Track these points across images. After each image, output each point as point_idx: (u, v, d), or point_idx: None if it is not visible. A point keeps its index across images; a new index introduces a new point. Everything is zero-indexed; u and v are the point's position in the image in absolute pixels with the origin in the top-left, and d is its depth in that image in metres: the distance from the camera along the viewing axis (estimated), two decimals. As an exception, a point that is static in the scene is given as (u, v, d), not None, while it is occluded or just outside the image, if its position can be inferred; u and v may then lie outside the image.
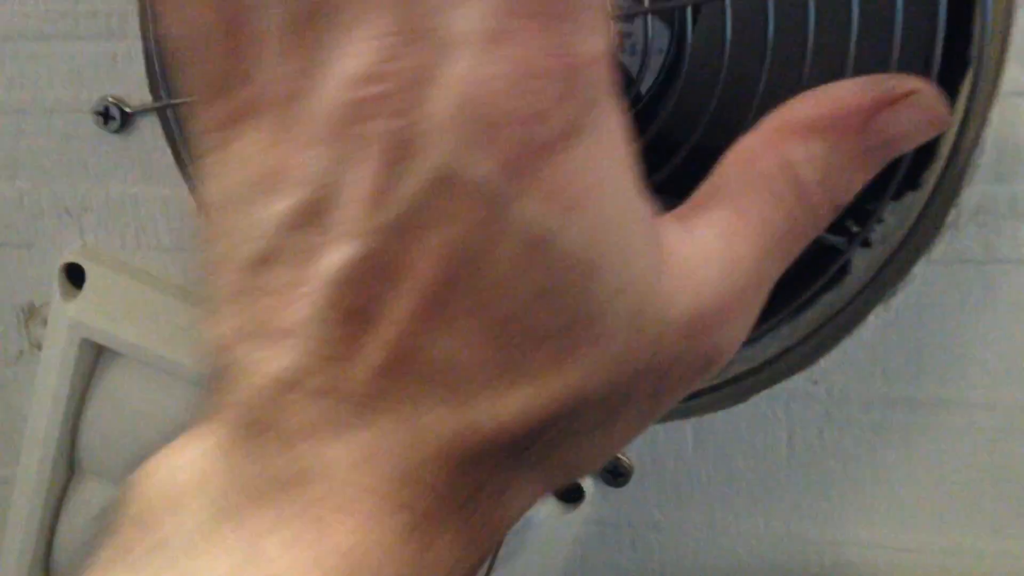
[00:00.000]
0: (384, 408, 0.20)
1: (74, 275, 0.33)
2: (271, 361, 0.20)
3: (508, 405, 0.20)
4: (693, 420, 0.28)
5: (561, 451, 0.21)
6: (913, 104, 0.21)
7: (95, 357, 0.34)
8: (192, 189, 0.31)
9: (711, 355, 0.21)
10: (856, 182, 0.21)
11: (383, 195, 0.19)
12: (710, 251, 0.21)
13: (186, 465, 0.20)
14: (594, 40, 0.19)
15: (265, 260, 0.20)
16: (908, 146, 0.21)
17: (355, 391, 0.20)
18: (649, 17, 0.25)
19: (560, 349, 0.20)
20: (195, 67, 0.22)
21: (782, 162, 0.21)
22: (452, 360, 0.20)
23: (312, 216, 0.20)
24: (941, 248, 0.25)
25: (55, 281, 0.33)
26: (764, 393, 0.28)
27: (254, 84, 0.21)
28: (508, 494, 0.21)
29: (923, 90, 0.21)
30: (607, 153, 0.19)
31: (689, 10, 0.25)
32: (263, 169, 0.21)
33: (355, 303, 0.20)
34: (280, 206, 0.20)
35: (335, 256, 0.20)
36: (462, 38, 0.19)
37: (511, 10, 0.18)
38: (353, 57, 0.19)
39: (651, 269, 0.20)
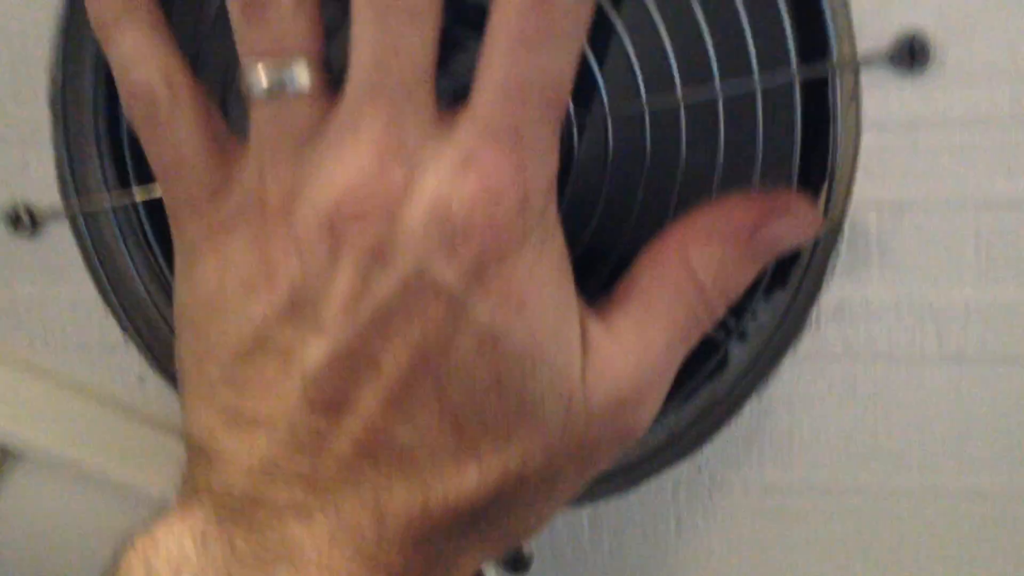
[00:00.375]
0: (348, 493, 0.21)
1: (-21, 377, 0.33)
2: (247, 450, 0.22)
3: (460, 485, 0.22)
4: (588, 508, 0.30)
5: (505, 521, 0.23)
6: (789, 216, 0.24)
7: (-1, 459, 0.34)
8: (107, 290, 0.31)
9: (628, 433, 0.24)
10: (746, 279, 0.25)
11: (359, 296, 0.21)
12: (625, 343, 0.23)
13: (162, 552, 0.21)
14: (546, 163, 0.22)
15: (249, 354, 0.22)
16: (787, 248, 0.25)
17: (322, 478, 0.21)
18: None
19: (505, 434, 0.22)
20: (182, 183, 0.24)
21: (684, 264, 0.23)
22: (411, 446, 0.21)
23: (295, 315, 0.22)
24: (806, 344, 0.28)
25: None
26: (653, 480, 0.29)
27: (242, 195, 0.23)
28: (459, 561, 0.23)
29: (798, 205, 0.24)
30: (549, 260, 0.22)
31: (575, 128, 0.27)
32: (250, 271, 0.22)
33: (327, 396, 0.21)
34: (265, 304, 0.22)
35: (312, 352, 0.21)
36: (435, 159, 0.21)
37: (478, 138, 0.21)
38: (338, 172, 0.21)
39: (579, 363, 0.22)
